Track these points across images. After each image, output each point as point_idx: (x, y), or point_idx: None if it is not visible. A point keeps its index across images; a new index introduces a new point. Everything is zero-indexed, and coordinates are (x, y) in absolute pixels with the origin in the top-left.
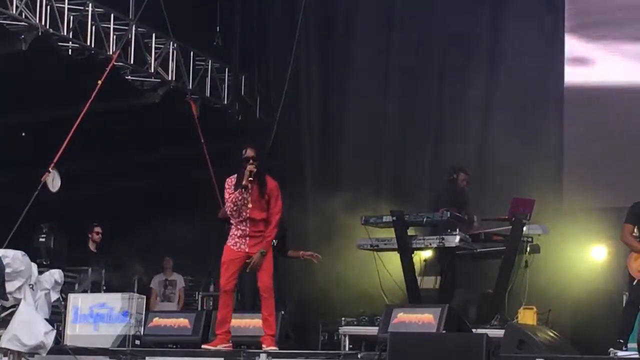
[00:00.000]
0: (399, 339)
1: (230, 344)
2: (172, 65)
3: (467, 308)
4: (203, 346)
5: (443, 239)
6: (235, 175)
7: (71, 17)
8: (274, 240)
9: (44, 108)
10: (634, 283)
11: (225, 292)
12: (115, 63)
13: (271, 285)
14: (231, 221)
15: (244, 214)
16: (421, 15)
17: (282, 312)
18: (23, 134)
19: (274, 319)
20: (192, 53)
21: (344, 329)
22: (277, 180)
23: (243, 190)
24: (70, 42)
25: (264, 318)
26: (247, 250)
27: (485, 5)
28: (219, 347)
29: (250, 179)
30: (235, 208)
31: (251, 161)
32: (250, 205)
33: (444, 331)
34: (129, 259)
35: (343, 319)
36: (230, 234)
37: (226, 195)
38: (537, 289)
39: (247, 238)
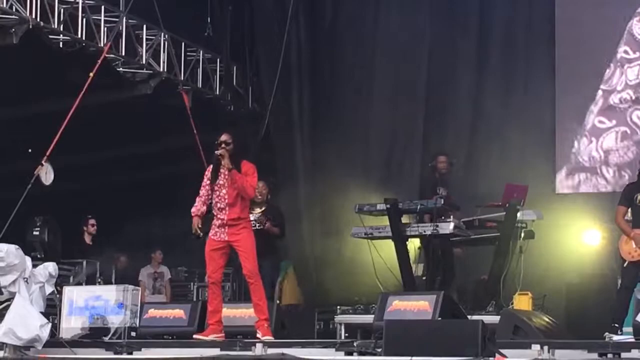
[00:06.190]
0: (394, 326)
1: (223, 334)
2: (163, 57)
3: (462, 294)
4: (195, 336)
5: (437, 226)
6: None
7: (62, 10)
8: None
9: (35, 101)
10: (625, 265)
11: (213, 284)
12: (106, 55)
13: (256, 270)
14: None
15: (223, 201)
16: None
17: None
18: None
19: (264, 303)
20: (183, 44)
21: (339, 318)
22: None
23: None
24: (61, 35)
25: (254, 304)
26: (226, 238)
27: None
28: (212, 337)
29: (219, 155)
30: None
31: (223, 145)
32: (225, 192)
33: (439, 318)
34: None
35: (338, 307)
36: (212, 224)
37: (203, 183)
38: (531, 275)
39: (226, 227)
